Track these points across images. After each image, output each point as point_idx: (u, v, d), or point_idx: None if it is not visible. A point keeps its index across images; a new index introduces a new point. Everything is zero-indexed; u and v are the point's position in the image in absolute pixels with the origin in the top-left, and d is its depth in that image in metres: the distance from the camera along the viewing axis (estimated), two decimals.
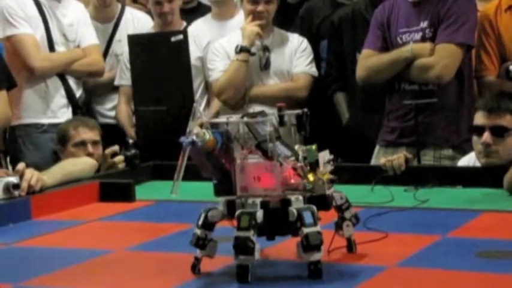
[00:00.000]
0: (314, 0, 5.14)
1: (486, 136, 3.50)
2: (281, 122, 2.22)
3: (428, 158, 4.12)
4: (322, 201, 2.17)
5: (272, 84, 4.73)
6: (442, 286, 2.13)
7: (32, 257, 2.57)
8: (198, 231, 2.20)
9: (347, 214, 2.30)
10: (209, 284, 2.17)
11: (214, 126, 2.15)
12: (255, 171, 2.13)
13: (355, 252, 2.34)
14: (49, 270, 2.36)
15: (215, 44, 4.84)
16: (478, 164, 3.59)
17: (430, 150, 4.13)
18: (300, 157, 2.17)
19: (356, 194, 2.85)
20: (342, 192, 2.29)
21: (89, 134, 4.26)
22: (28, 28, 4.68)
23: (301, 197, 2.13)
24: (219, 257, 2.20)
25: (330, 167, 2.21)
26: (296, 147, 2.21)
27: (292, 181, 2.14)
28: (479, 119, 3.56)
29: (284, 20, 4.96)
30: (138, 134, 4.78)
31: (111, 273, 2.33)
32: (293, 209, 2.10)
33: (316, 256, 2.09)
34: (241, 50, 4.62)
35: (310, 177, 2.15)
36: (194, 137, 2.06)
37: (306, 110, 2.25)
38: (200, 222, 2.20)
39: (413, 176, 3.38)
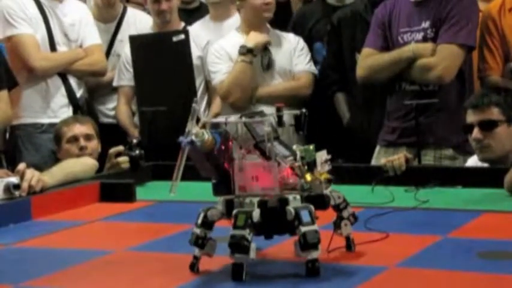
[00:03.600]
0: (307, 5, 5.16)
1: (475, 132, 3.55)
2: (279, 122, 2.23)
3: (428, 158, 4.12)
4: (319, 201, 2.18)
5: (277, 84, 4.74)
6: (442, 287, 2.13)
7: (33, 258, 2.56)
8: (197, 230, 2.21)
9: (345, 213, 2.31)
10: (209, 284, 2.17)
11: (213, 126, 2.15)
12: (253, 171, 2.14)
13: (354, 251, 2.34)
14: (50, 271, 2.36)
15: (215, 46, 4.82)
16: (484, 164, 3.60)
17: (430, 150, 4.13)
18: (298, 157, 2.18)
19: (356, 194, 2.85)
20: (339, 191, 2.29)
21: (80, 128, 4.27)
22: (28, 28, 4.68)
23: (298, 196, 2.14)
24: (220, 257, 2.20)
25: (327, 167, 2.22)
26: (294, 147, 2.22)
27: (290, 181, 2.15)
28: (468, 117, 3.61)
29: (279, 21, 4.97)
30: (141, 135, 4.78)
31: (111, 274, 2.33)
32: (290, 208, 2.11)
33: (313, 254, 2.10)
34: (247, 51, 4.61)
35: (308, 177, 2.16)
36: (193, 137, 2.07)
37: (304, 110, 2.26)
38: (199, 221, 2.21)
39: (413, 176, 3.37)
